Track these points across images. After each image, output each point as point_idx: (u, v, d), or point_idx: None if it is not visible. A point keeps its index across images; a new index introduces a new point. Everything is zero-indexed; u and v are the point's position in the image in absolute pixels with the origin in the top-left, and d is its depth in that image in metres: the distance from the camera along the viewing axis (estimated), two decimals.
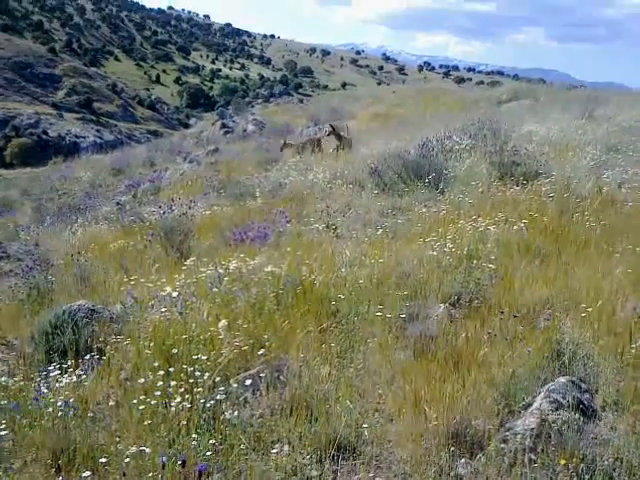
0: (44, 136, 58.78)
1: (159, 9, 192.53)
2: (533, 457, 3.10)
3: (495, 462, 3.12)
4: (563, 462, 2.97)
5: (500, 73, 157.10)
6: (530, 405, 3.45)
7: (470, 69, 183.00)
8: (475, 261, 5.32)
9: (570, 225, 6.30)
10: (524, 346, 3.97)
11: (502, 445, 3.24)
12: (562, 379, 3.54)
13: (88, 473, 3.15)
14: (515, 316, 4.38)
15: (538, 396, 3.48)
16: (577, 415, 3.28)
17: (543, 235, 6.04)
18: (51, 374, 4.40)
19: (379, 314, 4.60)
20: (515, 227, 6.06)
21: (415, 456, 3.26)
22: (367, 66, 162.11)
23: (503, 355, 3.89)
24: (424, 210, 7.49)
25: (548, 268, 5.27)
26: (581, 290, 4.72)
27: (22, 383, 4.45)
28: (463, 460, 3.22)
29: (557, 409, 3.33)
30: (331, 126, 15.37)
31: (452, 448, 3.26)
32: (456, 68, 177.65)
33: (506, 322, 4.33)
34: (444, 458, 3.20)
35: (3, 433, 3.68)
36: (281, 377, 3.97)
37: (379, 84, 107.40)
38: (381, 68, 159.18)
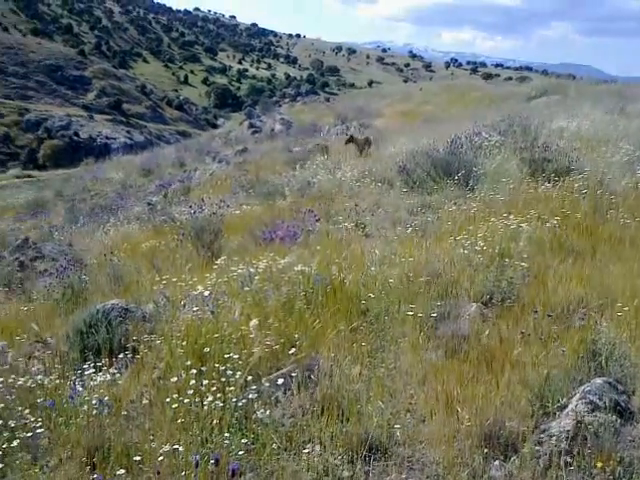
0: (75, 138, 59.80)
1: (186, 10, 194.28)
2: (569, 460, 3.05)
3: (530, 465, 3.07)
4: (600, 465, 2.91)
5: (529, 69, 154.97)
6: (565, 406, 3.38)
7: (498, 65, 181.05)
8: (507, 259, 5.24)
9: (604, 222, 6.19)
10: (558, 346, 3.90)
11: (537, 447, 3.18)
12: (598, 380, 3.47)
13: (122, 471, 3.19)
14: (549, 315, 4.30)
15: (573, 397, 3.41)
16: (614, 417, 3.21)
17: (576, 232, 5.93)
18: (86, 372, 4.48)
19: (410, 313, 4.56)
20: (547, 224, 5.96)
21: (448, 458, 3.22)
22: (393, 64, 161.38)
23: (537, 355, 3.83)
24: (454, 208, 7.41)
25: (582, 266, 5.17)
26: (616, 288, 4.62)
27: (58, 381, 4.50)
28: (497, 462, 3.17)
29: (593, 411, 3.26)
30: (350, 136, 15.30)
31: (485, 450, 3.22)
32: (484, 64, 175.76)
33: (540, 321, 4.26)
34: (477, 460, 3.16)
35: (40, 431, 3.75)
36: (312, 376, 3.96)
37: (405, 81, 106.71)
38: (407, 65, 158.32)
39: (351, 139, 14.74)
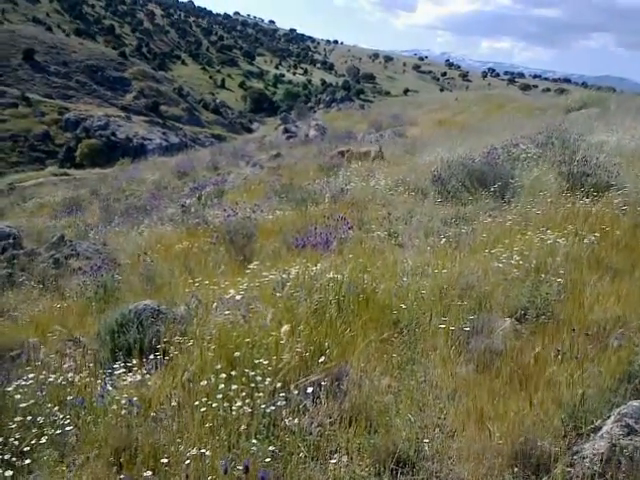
0: (113, 138, 60.81)
1: (225, 14, 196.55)
2: None
3: None
4: None
5: (567, 81, 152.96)
6: (600, 428, 3.30)
7: (536, 76, 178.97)
8: (543, 275, 5.15)
9: None
10: (594, 366, 3.82)
11: (569, 469, 3.12)
12: (635, 403, 3.37)
13: (149, 473, 3.20)
14: (587, 334, 4.21)
15: (608, 419, 3.32)
16: None
17: (615, 249, 5.80)
18: (116, 372, 4.51)
19: (442, 326, 4.51)
20: (586, 240, 5.84)
21: (476, 475, 3.17)
22: (430, 72, 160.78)
23: (572, 374, 3.75)
24: (489, 220, 7.32)
25: (620, 284, 5.04)
26: None
27: (88, 379, 4.55)
28: None
29: (629, 434, 3.17)
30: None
31: (516, 469, 3.16)
32: (521, 75, 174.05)
33: (575, 340, 4.17)
34: (507, 479, 3.11)
35: (68, 428, 3.79)
36: (341, 386, 3.94)
37: (442, 90, 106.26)
38: (444, 74, 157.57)
39: (341, 152, 14.80)
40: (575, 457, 3.17)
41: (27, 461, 3.53)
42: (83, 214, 17.44)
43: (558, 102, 24.96)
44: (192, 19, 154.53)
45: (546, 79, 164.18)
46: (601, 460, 3.07)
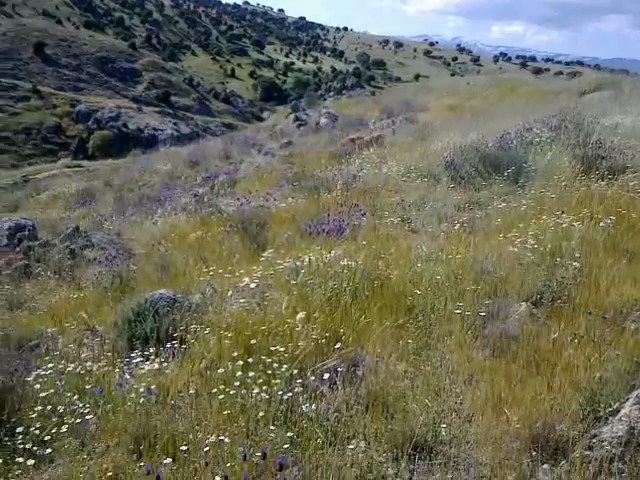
0: (124, 129, 60.99)
1: (235, 4, 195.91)
2: (621, 466, 2.97)
3: (579, 470, 3.00)
4: None
5: (580, 63, 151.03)
6: (618, 411, 3.29)
7: (548, 59, 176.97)
8: (558, 259, 5.12)
9: None
10: (612, 349, 3.80)
11: (587, 452, 3.12)
12: None
13: (169, 460, 3.23)
14: (604, 317, 4.19)
15: (627, 402, 3.31)
16: None
17: (631, 233, 5.74)
18: (133, 361, 4.55)
19: (457, 311, 4.50)
20: (601, 224, 5.79)
21: (495, 459, 3.17)
22: (441, 57, 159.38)
23: (589, 358, 3.73)
24: (503, 205, 7.27)
25: (637, 267, 5.00)
26: None
27: (106, 368, 4.60)
28: (545, 466, 3.11)
29: None
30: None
31: (534, 453, 3.17)
32: (533, 59, 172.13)
33: (592, 323, 4.15)
34: (525, 463, 3.11)
35: (88, 417, 3.83)
36: (357, 372, 3.95)
37: (453, 75, 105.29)
38: (455, 59, 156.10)
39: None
40: (593, 440, 3.17)
41: (48, 450, 3.58)
42: (97, 205, 17.53)
43: (571, 85, 24.71)
44: (201, 9, 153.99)
45: (559, 62, 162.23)
46: (620, 443, 3.06)
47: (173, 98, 78.33)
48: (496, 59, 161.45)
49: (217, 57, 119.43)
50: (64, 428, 3.68)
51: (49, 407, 3.94)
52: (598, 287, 4.72)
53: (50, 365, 4.47)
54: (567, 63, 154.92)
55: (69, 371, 4.46)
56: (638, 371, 3.58)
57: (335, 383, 3.82)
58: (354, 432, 3.45)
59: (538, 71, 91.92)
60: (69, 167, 41.96)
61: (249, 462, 3.08)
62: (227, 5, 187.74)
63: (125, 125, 61.96)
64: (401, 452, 3.25)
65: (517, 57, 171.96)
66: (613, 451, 3.04)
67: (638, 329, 4.05)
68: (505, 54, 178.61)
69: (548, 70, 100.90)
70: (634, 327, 4.11)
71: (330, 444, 3.35)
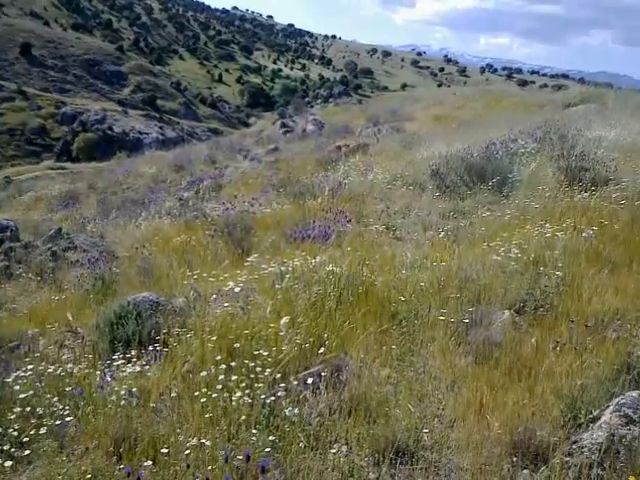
0: (109, 132, 60.52)
1: (224, 9, 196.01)
2: (600, 472, 2.99)
3: (559, 476, 3.02)
4: (632, 479, 2.85)
5: (565, 76, 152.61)
6: (598, 419, 3.32)
7: (534, 72, 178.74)
8: (542, 268, 5.17)
9: None
10: (593, 357, 3.83)
11: (567, 458, 3.13)
12: (633, 393, 3.39)
13: (149, 462, 3.20)
14: (586, 325, 4.23)
15: (607, 410, 3.34)
16: None
17: (613, 243, 5.81)
18: (115, 363, 4.51)
19: (441, 318, 4.53)
20: (584, 234, 5.86)
21: (475, 464, 3.18)
22: (428, 67, 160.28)
23: (571, 365, 3.76)
24: (487, 214, 7.34)
25: (619, 277, 5.07)
26: None
27: (87, 371, 4.56)
28: (525, 471, 3.13)
29: (627, 424, 3.19)
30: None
31: (515, 458, 3.18)
32: (519, 71, 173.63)
33: (574, 331, 4.19)
34: (506, 468, 3.13)
35: (67, 419, 3.79)
36: (340, 377, 3.95)
37: (440, 86, 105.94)
38: (442, 70, 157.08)
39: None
40: (574, 447, 3.19)
41: (27, 452, 3.54)
42: (80, 207, 17.42)
43: (556, 98, 24.96)
44: (190, 13, 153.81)
45: (544, 75, 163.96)
46: (599, 450, 3.08)
47: (159, 102, 78.03)
48: (482, 70, 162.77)
49: (205, 62, 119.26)
50: (43, 430, 3.63)
51: (28, 409, 3.89)
52: (580, 296, 4.77)
53: (30, 366, 4.41)
54: (552, 76, 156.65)
55: (49, 373, 4.40)
56: (618, 379, 3.62)
57: (318, 388, 3.81)
58: (336, 436, 3.44)
59: (524, 83, 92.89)
60: (52, 169, 41.67)
61: (230, 465, 3.07)
62: (216, 10, 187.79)
63: (110, 128, 61.51)
64: (383, 457, 3.25)
65: (503, 69, 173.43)
66: (593, 457, 3.06)
67: (619, 337, 4.10)
68: (491, 66, 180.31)
69: (533, 82, 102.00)
70: (615, 335, 4.15)
71: (312, 448, 3.34)
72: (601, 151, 9.24)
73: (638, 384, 3.58)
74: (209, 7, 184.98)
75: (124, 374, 4.29)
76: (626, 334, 4.12)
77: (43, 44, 78.79)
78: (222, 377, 3.73)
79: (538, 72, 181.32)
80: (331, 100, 57.89)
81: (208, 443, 3.25)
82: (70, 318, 5.89)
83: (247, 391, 3.62)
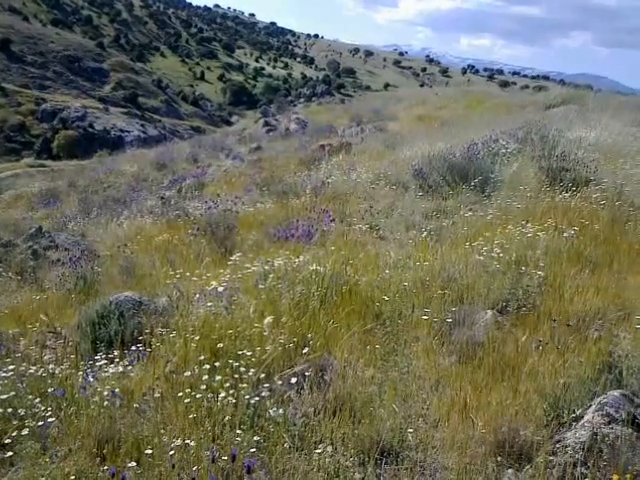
0: (90, 129, 59.97)
1: (205, 7, 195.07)
2: (584, 471, 3.02)
3: (543, 474, 3.05)
4: (616, 478, 2.87)
5: (546, 78, 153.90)
6: (581, 418, 3.35)
7: (515, 73, 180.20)
8: (524, 267, 5.21)
9: (622, 234, 6.13)
10: (575, 357, 3.87)
11: (551, 457, 3.16)
12: (615, 392, 3.43)
13: (133, 463, 3.18)
14: (568, 325, 4.27)
15: (590, 409, 3.37)
16: (630, 430, 3.18)
17: (594, 243, 5.88)
18: (97, 364, 4.47)
19: (424, 317, 4.55)
20: (565, 234, 5.92)
21: (460, 464, 3.20)
22: (410, 68, 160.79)
23: (553, 365, 3.80)
24: (470, 214, 7.38)
25: (600, 277, 5.13)
26: (635, 300, 4.59)
27: (69, 371, 4.51)
28: (510, 471, 3.15)
29: (610, 423, 3.23)
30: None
31: (499, 458, 3.20)
32: (500, 72, 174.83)
33: (556, 331, 4.22)
34: (490, 467, 3.14)
35: (50, 420, 3.74)
36: (325, 377, 3.95)
37: (422, 86, 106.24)
38: (424, 70, 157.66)
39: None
40: (557, 446, 3.22)
41: (8, 453, 3.49)
42: (61, 206, 17.22)
43: (537, 99, 25.12)
44: (171, 11, 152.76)
45: (525, 76, 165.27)
46: (583, 448, 3.12)
47: (141, 99, 77.45)
48: (464, 71, 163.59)
49: (186, 59, 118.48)
50: (25, 431, 3.58)
51: (9, 410, 3.84)
52: (562, 296, 4.82)
53: (11, 367, 4.35)
54: (533, 77, 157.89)
55: (31, 373, 4.35)
56: (600, 378, 3.66)
57: (303, 388, 3.81)
58: (321, 437, 3.43)
59: (505, 84, 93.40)
60: (32, 167, 41.12)
61: (215, 465, 3.05)
62: (197, 8, 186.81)
63: (91, 125, 60.92)
64: (368, 457, 3.25)
65: (485, 70, 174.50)
66: (576, 456, 3.09)
67: (601, 337, 4.15)
68: (473, 66, 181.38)
69: (515, 83, 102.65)
70: (597, 335, 4.20)
71: (297, 449, 3.34)
72: (582, 152, 9.33)
73: (620, 383, 3.62)
74: (190, 4, 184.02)
75: (107, 375, 4.26)
76: (607, 333, 4.17)
77: (22, 40, 77.75)
78: (206, 377, 3.71)
79: (519, 73, 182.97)
80: (314, 99, 57.78)
81: (192, 444, 3.23)
82: (44, 319, 5.81)
83: (231, 391, 3.60)
